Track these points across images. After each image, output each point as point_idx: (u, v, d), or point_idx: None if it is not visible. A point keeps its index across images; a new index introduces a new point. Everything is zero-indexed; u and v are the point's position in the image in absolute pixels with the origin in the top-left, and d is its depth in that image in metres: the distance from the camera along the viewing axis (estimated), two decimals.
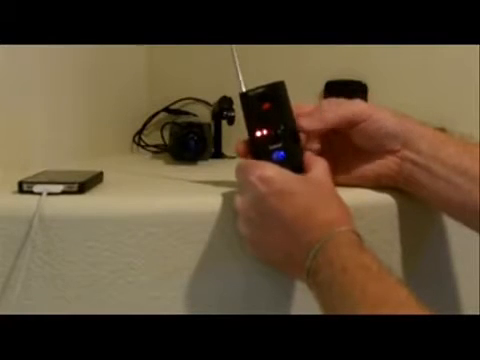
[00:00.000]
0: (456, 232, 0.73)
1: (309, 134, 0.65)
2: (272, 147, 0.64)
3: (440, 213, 0.72)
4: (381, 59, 1.16)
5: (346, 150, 0.67)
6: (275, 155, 0.64)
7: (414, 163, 0.64)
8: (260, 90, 0.66)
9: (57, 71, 0.97)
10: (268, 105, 0.65)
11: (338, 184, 0.68)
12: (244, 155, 0.66)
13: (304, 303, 0.63)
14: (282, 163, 0.63)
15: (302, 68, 1.17)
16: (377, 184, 0.67)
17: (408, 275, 0.68)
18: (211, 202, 0.63)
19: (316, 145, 0.67)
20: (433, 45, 0.89)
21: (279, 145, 0.64)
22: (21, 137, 0.88)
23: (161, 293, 0.60)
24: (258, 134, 0.65)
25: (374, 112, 0.65)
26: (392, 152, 0.65)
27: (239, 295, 0.62)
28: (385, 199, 0.67)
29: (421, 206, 0.69)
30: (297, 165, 0.64)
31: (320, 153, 0.66)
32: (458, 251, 0.74)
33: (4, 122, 0.84)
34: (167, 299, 0.60)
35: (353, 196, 0.66)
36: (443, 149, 0.64)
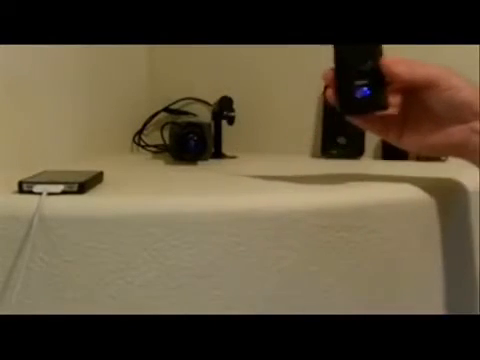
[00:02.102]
0: (459, 230, 0.73)
1: (394, 82, 0.65)
2: (358, 83, 0.64)
3: (444, 212, 0.72)
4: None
5: (417, 115, 0.67)
6: (360, 91, 0.64)
7: None
8: None
9: (57, 71, 0.97)
10: None
11: (403, 148, 0.68)
12: (329, 83, 0.65)
13: (302, 303, 0.63)
14: (367, 101, 0.63)
15: (302, 68, 1.17)
16: (441, 154, 0.67)
17: (410, 275, 0.68)
18: (211, 202, 0.63)
19: (397, 99, 0.66)
20: (433, 45, 0.88)
21: (365, 81, 0.64)
22: (21, 137, 0.88)
23: (161, 293, 0.60)
24: (343, 66, 0.64)
25: (453, 79, 0.65)
26: (463, 122, 0.64)
27: (239, 295, 0.62)
28: (385, 198, 0.67)
29: (423, 205, 0.69)
30: (383, 105, 0.64)
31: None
32: (462, 250, 0.74)
33: (4, 122, 0.84)
34: (167, 299, 0.60)
35: (354, 195, 0.66)
36: None
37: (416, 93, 0.66)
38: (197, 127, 1.02)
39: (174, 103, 1.25)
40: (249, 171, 0.91)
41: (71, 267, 0.59)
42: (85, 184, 0.63)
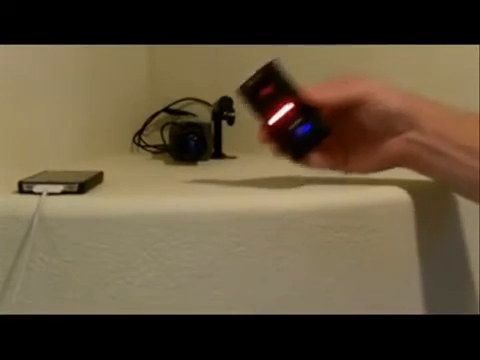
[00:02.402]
0: (459, 231, 0.73)
1: (323, 109, 0.65)
2: (292, 126, 0.64)
3: (444, 211, 0.72)
4: (381, 59, 1.16)
5: (355, 138, 0.67)
6: (300, 131, 0.64)
7: (421, 144, 0.63)
8: (256, 77, 0.65)
9: (57, 71, 0.97)
10: (270, 89, 0.64)
11: (350, 171, 0.69)
12: (268, 140, 0.66)
13: (303, 303, 0.63)
14: (310, 135, 0.63)
15: (302, 68, 1.17)
16: (386, 168, 0.67)
17: (410, 276, 0.68)
18: (211, 202, 0.63)
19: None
20: (433, 45, 0.89)
21: (300, 120, 0.64)
22: (21, 137, 0.88)
23: (161, 293, 0.60)
24: (271, 122, 0.64)
25: (379, 92, 0.65)
26: (398, 134, 0.64)
27: (239, 295, 0.62)
28: (385, 198, 0.67)
29: (423, 205, 0.69)
30: (326, 131, 0.64)
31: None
32: (462, 250, 0.74)
33: (4, 122, 0.84)
34: (167, 299, 0.60)
35: (354, 195, 0.66)
36: (451, 128, 0.63)
37: (348, 115, 0.66)
38: (197, 127, 1.02)
39: (174, 103, 1.25)
40: (249, 171, 0.91)
41: (71, 267, 0.59)
42: (85, 184, 0.63)
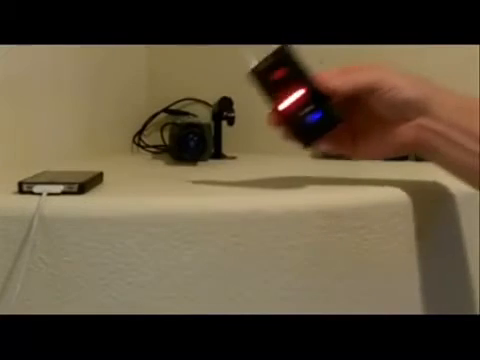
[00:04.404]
0: (458, 231, 0.73)
1: (335, 96, 0.64)
2: (303, 112, 0.63)
3: (443, 212, 0.72)
4: (381, 59, 1.16)
5: (365, 124, 0.67)
6: (310, 118, 0.63)
7: (433, 131, 0.63)
8: (268, 60, 0.63)
9: (57, 71, 0.98)
10: (281, 72, 0.63)
11: (358, 158, 0.68)
12: (279, 124, 0.65)
13: (303, 304, 0.63)
14: (321, 123, 0.62)
15: None
16: (395, 154, 0.67)
17: (409, 276, 0.68)
18: (211, 202, 0.63)
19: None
20: (433, 45, 0.88)
21: (311, 107, 0.63)
22: (21, 137, 0.88)
23: (161, 293, 0.60)
24: (281, 107, 0.63)
25: (391, 79, 0.64)
26: (409, 120, 0.64)
27: (239, 295, 0.62)
28: (385, 199, 0.67)
29: (422, 205, 0.69)
30: (338, 119, 0.63)
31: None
32: (461, 250, 0.74)
33: (5, 123, 0.84)
34: (167, 299, 0.60)
35: (354, 196, 0.66)
36: (463, 116, 0.62)
37: (359, 100, 0.65)
38: (197, 128, 1.02)
39: (174, 104, 1.26)
40: (249, 171, 0.91)
41: (71, 267, 0.59)
42: (85, 184, 0.63)
